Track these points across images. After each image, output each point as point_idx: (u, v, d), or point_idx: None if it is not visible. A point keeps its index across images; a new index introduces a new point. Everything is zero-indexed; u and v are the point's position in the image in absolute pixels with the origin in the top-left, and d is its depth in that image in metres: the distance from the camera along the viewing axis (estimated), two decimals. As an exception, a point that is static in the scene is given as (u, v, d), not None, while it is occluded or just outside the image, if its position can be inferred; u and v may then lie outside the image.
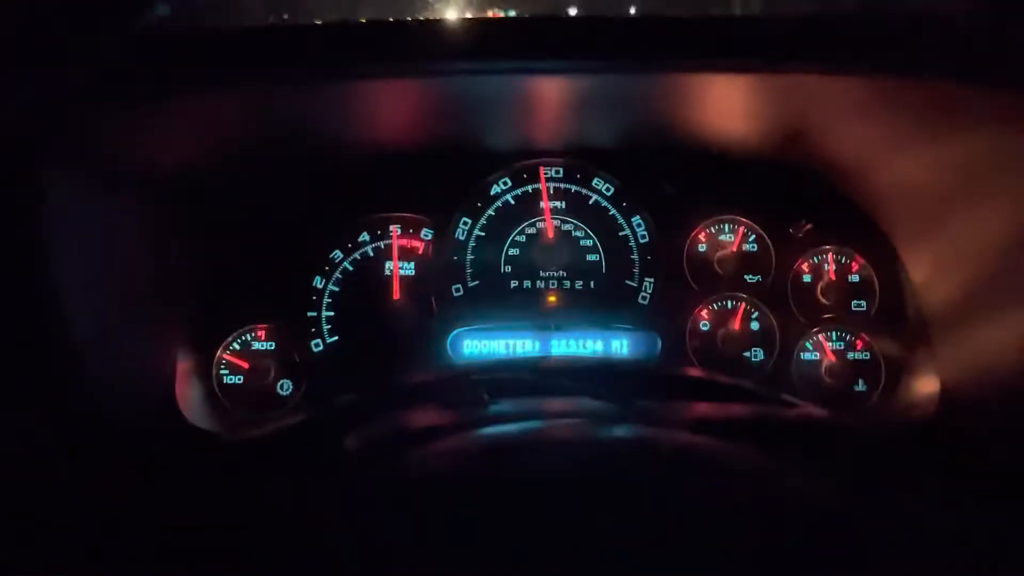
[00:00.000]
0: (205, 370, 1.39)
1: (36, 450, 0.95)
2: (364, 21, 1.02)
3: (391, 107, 1.25)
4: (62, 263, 0.99)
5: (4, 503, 0.87)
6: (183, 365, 1.33)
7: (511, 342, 1.45)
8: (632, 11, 1.02)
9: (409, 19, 1.02)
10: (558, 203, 1.47)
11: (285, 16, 0.96)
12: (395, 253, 1.45)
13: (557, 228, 1.47)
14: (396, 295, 1.44)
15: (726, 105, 1.23)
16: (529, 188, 1.47)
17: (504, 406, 0.95)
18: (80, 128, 0.97)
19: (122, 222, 1.16)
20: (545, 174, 1.47)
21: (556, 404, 0.97)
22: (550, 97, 1.25)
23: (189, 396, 1.32)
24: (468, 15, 1.02)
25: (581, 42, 1.01)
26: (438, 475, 0.76)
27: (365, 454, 0.87)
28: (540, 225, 1.47)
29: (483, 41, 0.98)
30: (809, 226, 1.43)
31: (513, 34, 1.02)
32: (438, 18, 1.01)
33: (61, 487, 0.92)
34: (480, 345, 1.45)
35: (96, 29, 0.66)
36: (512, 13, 1.32)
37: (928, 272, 1.33)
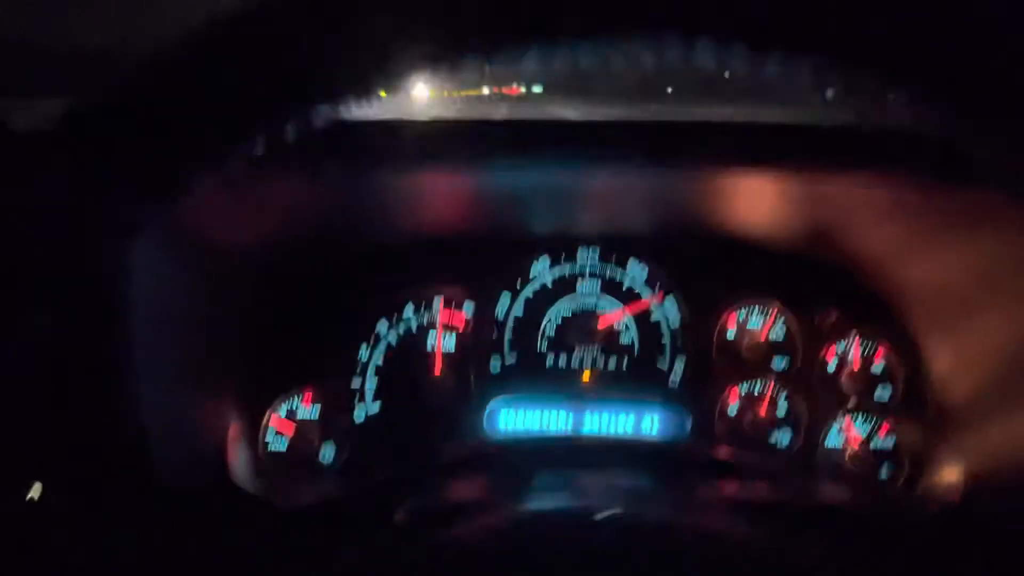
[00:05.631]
0: (252, 435, 1.45)
1: (90, 502, 1.01)
2: (437, 119, 1.11)
3: (444, 195, 1.34)
4: (132, 325, 1.07)
5: (55, 557, 0.93)
6: (233, 429, 1.39)
7: (545, 417, 1.51)
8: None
9: (473, 119, 1.12)
10: (594, 284, 1.54)
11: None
12: (439, 328, 1.52)
13: (595, 311, 1.53)
14: (437, 368, 1.51)
15: (756, 203, 1.31)
16: (567, 270, 1.55)
17: (543, 481, 1.00)
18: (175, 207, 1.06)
19: (184, 289, 1.24)
20: (581, 257, 1.55)
21: (591, 480, 1.02)
22: (591, 191, 1.34)
23: (238, 460, 1.38)
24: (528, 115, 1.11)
25: (632, 145, 1.10)
26: (477, 551, 0.81)
27: (410, 527, 0.92)
28: (574, 306, 1.54)
29: (539, 141, 1.07)
30: (835, 316, 1.49)
31: (561, 135, 1.11)
32: (506, 118, 1.11)
33: (110, 540, 0.97)
34: (515, 418, 1.51)
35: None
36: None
37: (950, 365, 1.38)
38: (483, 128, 1.14)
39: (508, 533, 0.86)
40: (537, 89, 1.46)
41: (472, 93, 1.42)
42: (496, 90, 1.46)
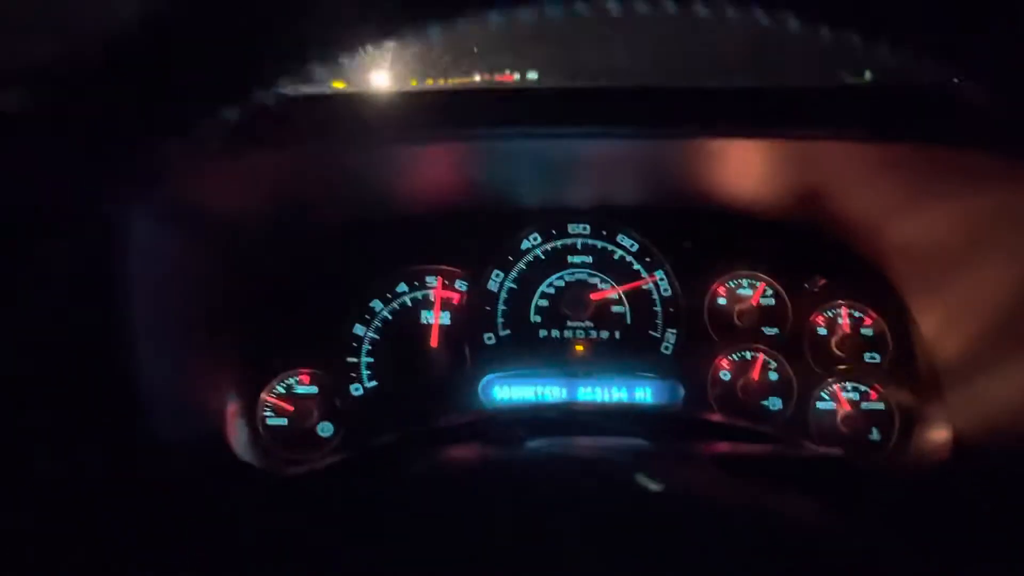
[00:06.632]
0: (250, 411, 1.46)
1: (89, 471, 1.02)
2: (421, 90, 1.13)
3: (434, 169, 1.35)
4: (129, 296, 1.08)
5: (54, 524, 0.94)
6: (231, 406, 1.41)
7: (540, 388, 1.53)
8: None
9: (458, 88, 1.13)
10: (585, 257, 1.56)
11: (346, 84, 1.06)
12: (436, 303, 1.53)
13: (587, 283, 1.55)
14: (433, 343, 1.53)
15: (744, 169, 1.33)
16: (558, 244, 1.56)
17: (538, 443, 1.02)
18: (157, 175, 1.07)
19: (180, 264, 1.25)
20: (572, 231, 1.57)
21: (587, 441, 1.04)
22: (581, 161, 1.35)
23: (236, 435, 1.40)
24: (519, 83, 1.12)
25: (617, 111, 1.11)
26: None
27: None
28: (566, 279, 1.56)
29: (531, 109, 1.08)
30: (824, 282, 1.50)
31: (556, 103, 1.12)
32: (488, 87, 1.12)
33: (109, 508, 0.99)
34: (510, 391, 1.52)
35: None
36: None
37: (938, 325, 1.40)
38: (468, 97, 1.15)
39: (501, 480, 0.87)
40: (532, 76, 1.45)
41: (463, 81, 1.43)
42: (487, 77, 1.46)
